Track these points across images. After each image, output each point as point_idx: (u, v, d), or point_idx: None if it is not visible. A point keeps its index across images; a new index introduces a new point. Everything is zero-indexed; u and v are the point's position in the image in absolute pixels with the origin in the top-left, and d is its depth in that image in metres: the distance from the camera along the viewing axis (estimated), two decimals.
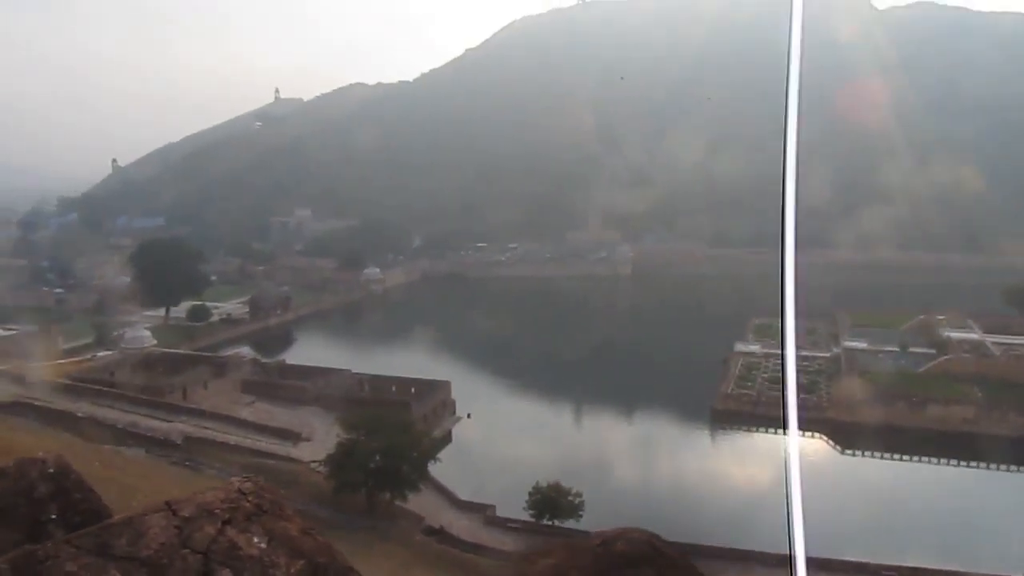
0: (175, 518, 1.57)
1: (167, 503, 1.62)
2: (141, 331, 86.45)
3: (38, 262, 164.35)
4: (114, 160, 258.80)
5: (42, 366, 62.70)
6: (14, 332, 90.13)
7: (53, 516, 2.00)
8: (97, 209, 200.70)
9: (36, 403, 51.04)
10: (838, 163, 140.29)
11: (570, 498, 40.81)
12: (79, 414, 50.31)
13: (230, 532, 1.55)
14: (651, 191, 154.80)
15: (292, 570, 1.48)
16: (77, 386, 56.06)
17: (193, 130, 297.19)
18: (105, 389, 56.62)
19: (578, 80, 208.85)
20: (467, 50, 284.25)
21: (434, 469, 47.39)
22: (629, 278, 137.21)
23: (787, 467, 3.81)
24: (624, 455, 60.19)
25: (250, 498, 1.62)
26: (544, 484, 41.50)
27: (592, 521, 41.82)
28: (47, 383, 56.23)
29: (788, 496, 3.51)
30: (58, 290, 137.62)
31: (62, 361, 68.04)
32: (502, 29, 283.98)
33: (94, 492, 1.99)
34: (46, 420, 48.04)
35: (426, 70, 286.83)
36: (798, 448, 4.21)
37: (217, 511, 1.58)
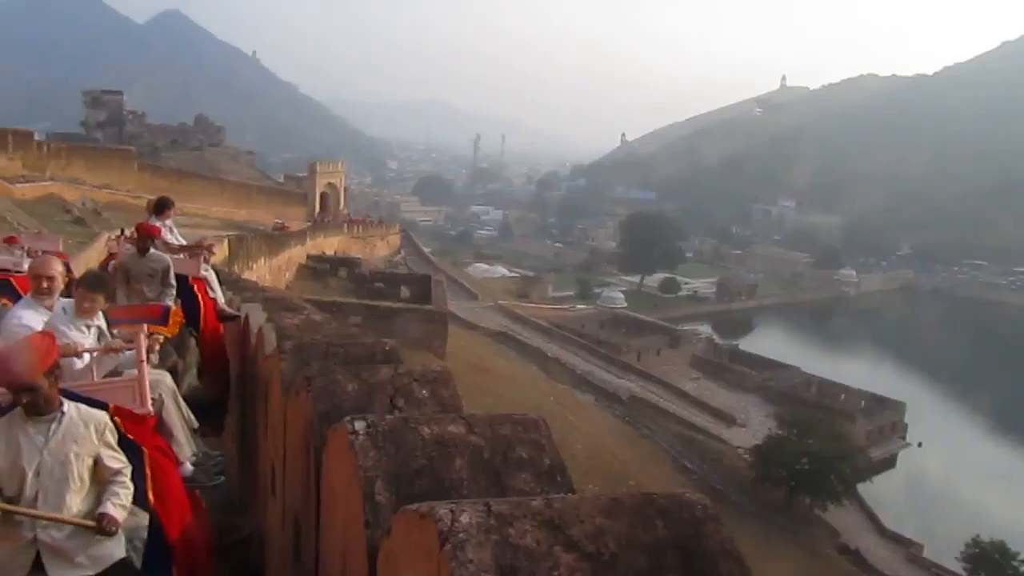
0: (398, 377, 2.97)
1: (408, 371, 3.05)
2: (616, 292, 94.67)
3: (547, 218, 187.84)
4: (623, 135, 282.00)
5: (531, 307, 72.41)
6: (517, 274, 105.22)
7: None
8: (601, 178, 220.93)
9: (518, 336, 59.21)
10: None
11: (1015, 563, 35.66)
12: (548, 354, 57.09)
13: (414, 384, 2.89)
14: None
15: (431, 407, 2.77)
16: (552, 330, 63.46)
17: (698, 112, 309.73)
18: (574, 338, 63.22)
19: None
20: (1003, 42, 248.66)
21: (865, 489, 44.79)
22: None
23: None
24: None
25: (435, 374, 2.93)
26: (987, 539, 36.81)
27: None
28: (531, 322, 64.77)
29: None
30: (557, 244, 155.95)
31: (546, 306, 77.30)
32: None
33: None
34: (522, 352, 55.58)
35: (950, 63, 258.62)
36: None
37: (416, 375, 2.94)
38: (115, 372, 4.35)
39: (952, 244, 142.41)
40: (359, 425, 2.22)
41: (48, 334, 3.17)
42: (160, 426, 4.16)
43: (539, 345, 59.08)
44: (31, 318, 4.30)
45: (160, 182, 51.02)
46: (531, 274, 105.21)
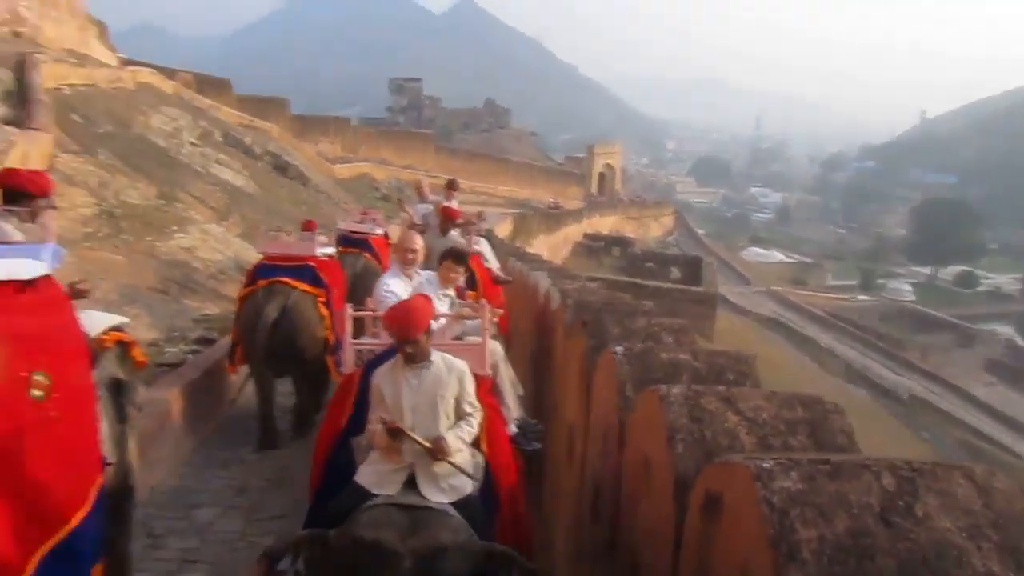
0: (651, 326, 4.01)
1: (660, 322, 4.05)
2: (902, 284, 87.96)
3: (830, 201, 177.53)
4: (923, 112, 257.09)
5: (806, 294, 69.74)
6: (794, 260, 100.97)
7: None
8: (894, 159, 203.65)
9: (790, 324, 57.48)
10: None
11: None
12: (821, 344, 54.91)
13: (663, 332, 3.95)
14: None
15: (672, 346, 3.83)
16: (828, 319, 60.85)
17: (1016, 85, 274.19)
18: (851, 329, 60.14)
19: None
20: None
21: None
22: None
23: None
24: None
25: (680, 325, 3.95)
26: None
27: None
28: (805, 310, 62.49)
29: None
30: (840, 230, 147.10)
31: (823, 295, 73.99)
32: None
33: None
34: (792, 340, 53.94)
35: None
36: None
37: (665, 325, 3.97)
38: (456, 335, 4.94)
39: None
40: (619, 349, 3.33)
41: (428, 299, 3.88)
42: (493, 388, 4.64)
43: (812, 334, 56.94)
44: (397, 286, 5.07)
45: (453, 163, 55.69)
46: (809, 261, 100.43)
